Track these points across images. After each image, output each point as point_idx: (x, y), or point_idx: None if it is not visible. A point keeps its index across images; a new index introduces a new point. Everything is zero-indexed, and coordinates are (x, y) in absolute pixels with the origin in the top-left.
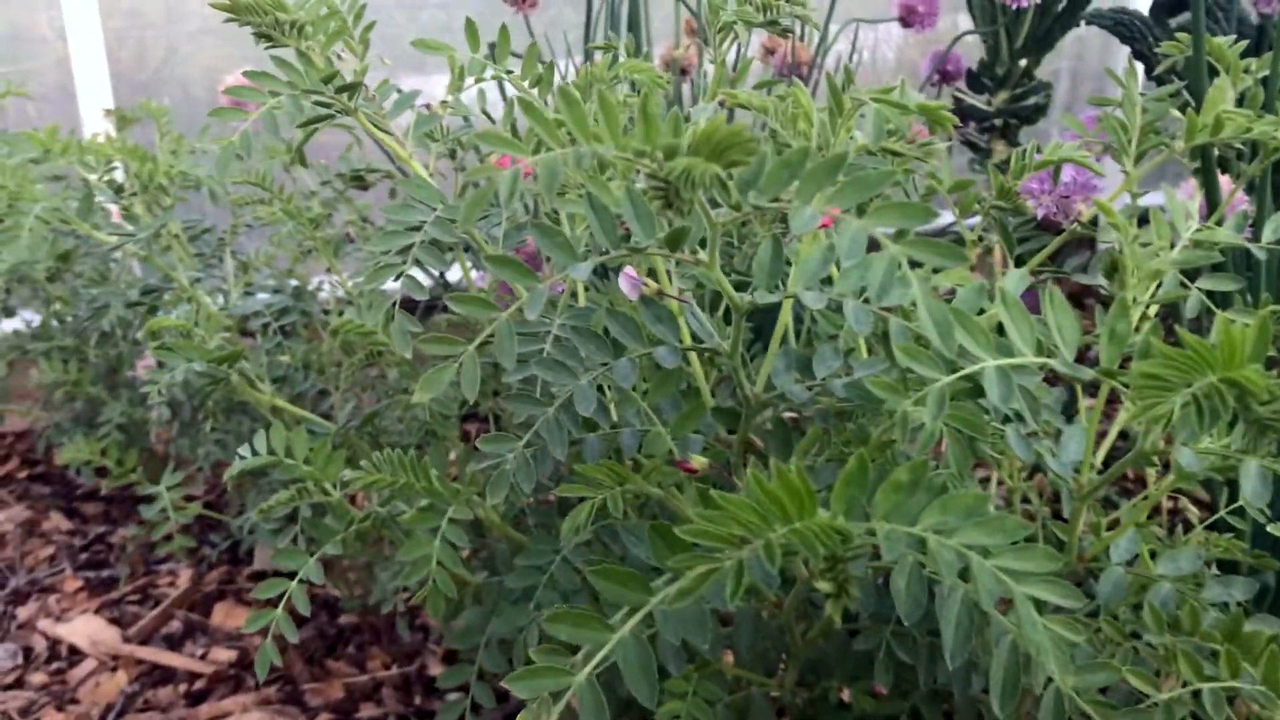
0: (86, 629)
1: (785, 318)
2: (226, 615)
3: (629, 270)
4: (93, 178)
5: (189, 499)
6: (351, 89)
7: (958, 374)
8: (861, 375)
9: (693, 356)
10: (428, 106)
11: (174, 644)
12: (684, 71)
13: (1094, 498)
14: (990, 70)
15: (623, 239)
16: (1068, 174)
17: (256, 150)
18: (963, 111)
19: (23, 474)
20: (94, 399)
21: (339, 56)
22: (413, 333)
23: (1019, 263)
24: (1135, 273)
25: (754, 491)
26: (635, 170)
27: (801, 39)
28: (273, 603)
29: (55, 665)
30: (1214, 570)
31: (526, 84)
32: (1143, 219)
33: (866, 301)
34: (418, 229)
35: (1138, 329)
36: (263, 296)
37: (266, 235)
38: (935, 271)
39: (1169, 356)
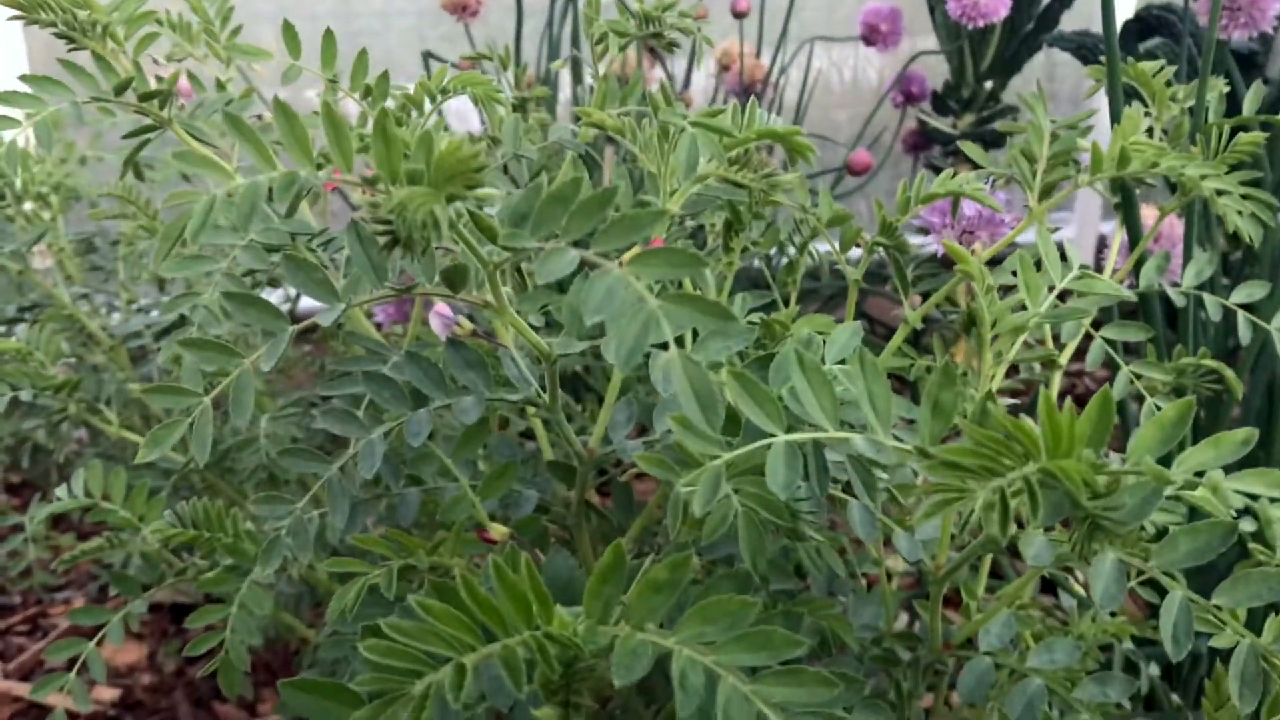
0: None
1: (618, 375)
2: (115, 650)
3: (440, 307)
4: None
5: (65, 520)
6: (159, 96)
7: (738, 451)
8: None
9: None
10: (259, 117)
11: None
12: (653, 51)
13: (952, 580)
14: (955, 92)
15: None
16: (970, 207)
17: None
18: (927, 134)
19: None
20: None
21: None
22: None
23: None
24: (995, 327)
25: (464, 598)
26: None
27: (758, 55)
28: (72, 663)
29: None
30: (1127, 643)
31: (357, 95)
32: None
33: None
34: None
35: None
36: (144, 317)
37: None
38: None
39: (979, 442)
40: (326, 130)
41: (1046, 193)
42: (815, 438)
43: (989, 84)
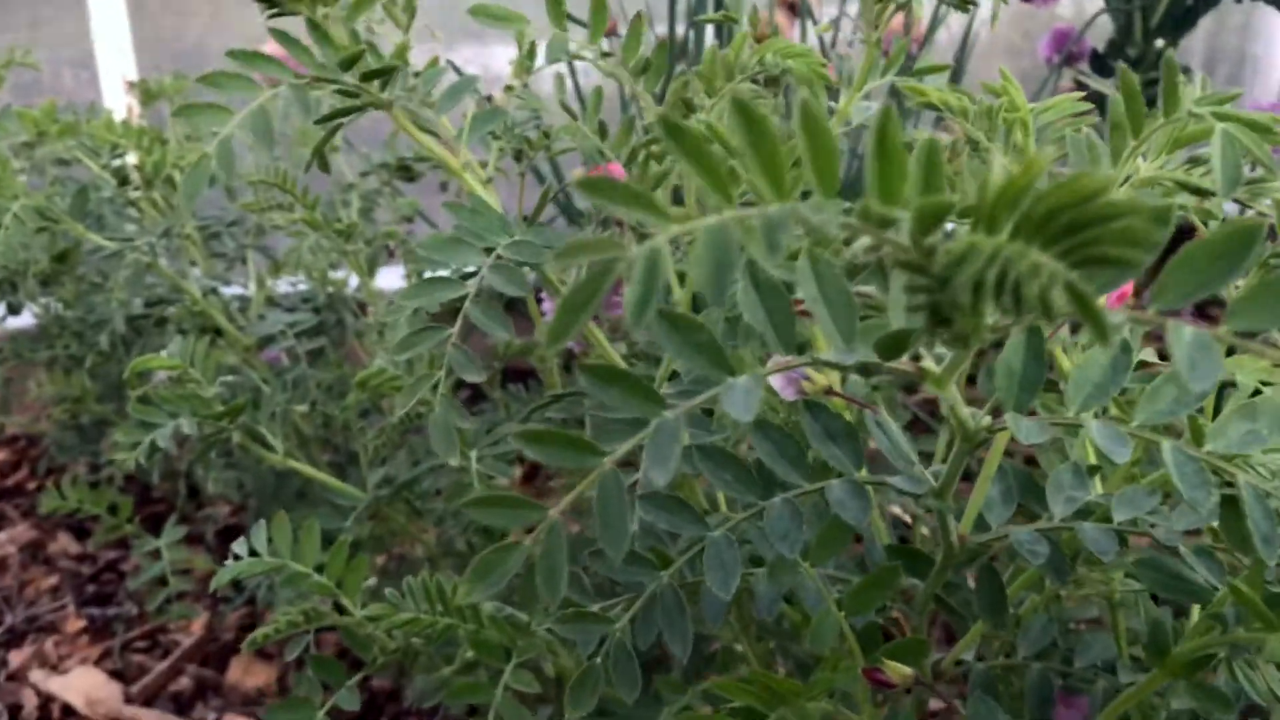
0: (84, 684)
1: (1001, 442)
2: (244, 672)
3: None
4: (95, 166)
5: (197, 538)
6: (383, 75)
7: None
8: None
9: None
10: (489, 98)
11: (182, 706)
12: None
13: None
14: (1120, 52)
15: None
16: None
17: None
18: (1088, 98)
19: (32, 484)
20: (100, 417)
21: (370, 30)
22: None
23: None
24: None
25: None
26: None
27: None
28: None
29: None
30: None
31: (629, 70)
32: None
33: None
34: (471, 275)
35: None
36: (283, 316)
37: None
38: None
39: None
40: (803, 137)
41: None
42: None
43: (1158, 42)
